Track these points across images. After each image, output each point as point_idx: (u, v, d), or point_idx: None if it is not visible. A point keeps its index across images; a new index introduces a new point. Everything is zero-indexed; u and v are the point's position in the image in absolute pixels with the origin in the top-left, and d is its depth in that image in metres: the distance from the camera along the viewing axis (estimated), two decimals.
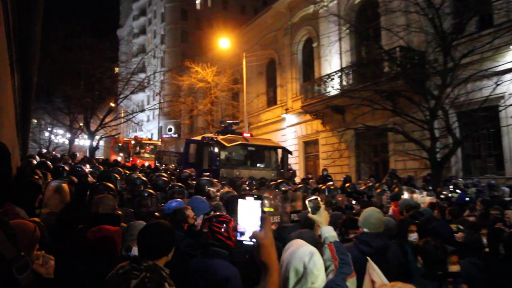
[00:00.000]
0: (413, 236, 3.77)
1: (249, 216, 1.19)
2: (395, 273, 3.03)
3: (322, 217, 2.32)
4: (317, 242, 3.53)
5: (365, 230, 3.14)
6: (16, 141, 6.29)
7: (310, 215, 2.35)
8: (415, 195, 6.97)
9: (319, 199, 2.38)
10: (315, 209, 2.34)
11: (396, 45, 12.94)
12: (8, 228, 1.49)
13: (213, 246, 2.65)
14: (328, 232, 2.25)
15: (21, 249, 1.56)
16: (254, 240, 1.18)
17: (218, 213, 2.93)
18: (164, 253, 2.25)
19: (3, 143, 1.53)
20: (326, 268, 2.10)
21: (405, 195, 6.78)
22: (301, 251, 1.86)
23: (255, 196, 1.19)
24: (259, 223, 1.19)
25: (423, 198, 6.77)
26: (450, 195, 8.00)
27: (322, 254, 2.18)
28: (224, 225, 2.73)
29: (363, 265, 2.96)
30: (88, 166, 8.16)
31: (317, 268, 1.80)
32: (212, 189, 5.74)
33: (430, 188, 9.05)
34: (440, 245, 2.89)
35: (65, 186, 4.27)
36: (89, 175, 6.32)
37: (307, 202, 2.39)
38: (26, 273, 1.45)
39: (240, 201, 1.20)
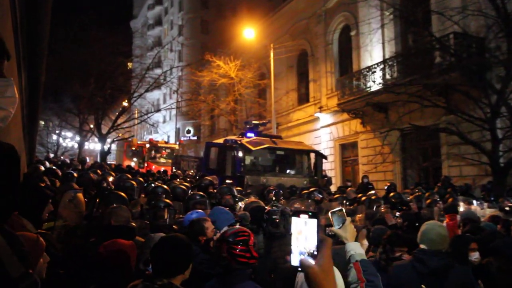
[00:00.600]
0: (474, 256, 3.67)
1: (304, 238, 1.14)
2: None
3: (347, 231, 2.29)
4: None
5: (423, 246, 3.11)
6: (23, 145, 6.56)
7: (333, 229, 2.33)
8: (473, 207, 6.78)
9: (344, 210, 2.36)
10: (340, 222, 2.31)
11: (450, 31, 12.63)
12: (16, 242, 1.55)
13: (236, 270, 2.62)
14: (354, 249, 2.23)
15: (30, 265, 1.62)
16: (301, 269, 1.11)
17: (235, 229, 2.86)
18: (180, 270, 2.27)
19: (11, 144, 1.59)
20: None
21: (461, 207, 6.59)
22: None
23: (310, 213, 1.14)
24: (314, 246, 1.12)
25: (483, 211, 6.56)
26: None
27: (347, 274, 2.18)
28: (244, 245, 2.68)
29: (417, 286, 2.92)
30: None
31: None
32: (229, 197, 5.79)
33: (492, 198, 8.76)
34: (505, 267, 2.80)
35: (80, 196, 4.41)
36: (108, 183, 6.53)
37: (329, 214, 2.36)
38: None
39: (293, 219, 1.16)
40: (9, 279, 1.44)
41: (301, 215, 1.14)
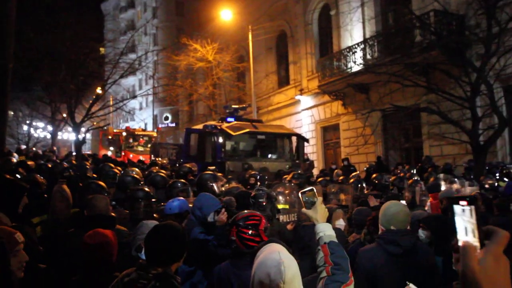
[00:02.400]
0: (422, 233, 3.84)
1: (463, 229, 0.91)
2: (425, 276, 3.06)
3: (318, 212, 2.25)
4: (346, 240, 3.55)
5: (392, 228, 3.14)
6: None
7: (304, 210, 2.30)
8: (454, 186, 6.95)
9: (314, 190, 2.32)
10: (310, 203, 2.28)
11: (430, 8, 12.76)
12: None
13: (246, 254, 2.65)
14: (324, 231, 2.18)
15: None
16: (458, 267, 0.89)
17: (246, 212, 2.89)
18: (175, 258, 2.29)
19: None
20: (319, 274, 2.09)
21: (443, 186, 6.77)
22: (268, 259, 1.84)
23: (468, 198, 0.91)
24: (475, 239, 0.89)
25: (463, 189, 6.75)
26: (496, 184, 7.95)
27: (316, 257, 2.16)
28: (254, 229, 2.72)
29: (392, 268, 2.99)
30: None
31: (285, 280, 1.74)
32: (215, 185, 5.82)
33: (472, 177, 9.01)
34: (432, 239, 2.89)
35: (65, 187, 4.37)
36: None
37: (299, 194, 2.33)
38: None
39: (455, 207, 0.92)
40: None
41: (460, 202, 0.92)
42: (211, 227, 3.68)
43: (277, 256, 1.84)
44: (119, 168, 7.68)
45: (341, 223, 4.27)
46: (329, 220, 3.95)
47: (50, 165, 7.85)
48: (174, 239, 2.29)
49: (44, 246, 3.07)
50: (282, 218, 4.74)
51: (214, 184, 5.82)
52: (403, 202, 5.37)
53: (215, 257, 3.31)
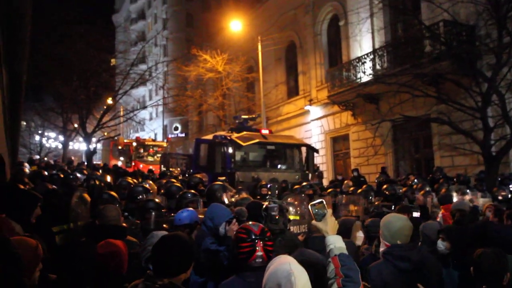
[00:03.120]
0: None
1: None
2: None
3: (328, 224, 2.25)
4: (357, 253, 3.51)
5: (399, 242, 3.09)
6: (5, 148, 6.51)
7: (314, 222, 2.31)
8: (467, 197, 6.89)
9: (324, 202, 2.33)
10: (320, 215, 2.28)
11: (439, 19, 12.74)
12: (9, 246, 1.56)
13: (260, 268, 2.61)
14: (334, 243, 2.19)
15: (24, 270, 1.63)
16: None
17: (259, 225, 2.87)
18: (182, 269, 2.29)
19: None
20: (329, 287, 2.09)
21: (455, 198, 6.70)
22: (279, 270, 1.86)
23: None
24: None
25: (477, 200, 6.68)
26: (509, 196, 7.85)
27: (327, 269, 2.15)
28: (272, 240, 2.77)
29: (402, 284, 2.95)
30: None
31: None
32: (225, 196, 5.83)
33: (485, 188, 8.91)
34: (499, 255, 2.84)
35: (86, 195, 4.41)
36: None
37: (309, 206, 2.35)
38: None
39: None
40: None
41: None
42: (222, 238, 3.67)
43: (287, 267, 1.86)
44: (135, 180, 7.73)
45: (360, 234, 4.23)
46: (349, 231, 3.93)
47: (62, 175, 7.91)
48: (181, 250, 2.30)
49: (61, 255, 3.09)
50: (293, 229, 4.72)
51: (223, 195, 5.83)
52: (416, 213, 5.32)
53: (226, 268, 3.30)
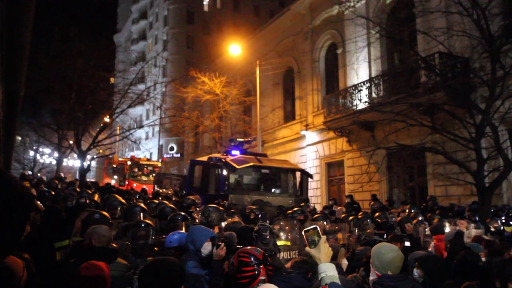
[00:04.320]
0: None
1: None
2: None
3: (321, 251, 2.23)
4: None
5: (389, 273, 3.06)
6: None
7: (307, 249, 2.28)
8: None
9: (318, 229, 2.31)
10: (313, 241, 2.26)
11: (435, 50, 12.97)
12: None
13: None
14: (326, 271, 2.17)
15: None
16: None
17: (260, 250, 2.86)
18: None
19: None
20: None
21: (447, 228, 6.68)
22: None
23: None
24: None
25: (468, 231, 6.65)
26: (502, 228, 7.84)
27: None
28: (271, 265, 2.75)
29: None
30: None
31: None
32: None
33: (477, 219, 8.89)
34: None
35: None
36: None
37: (303, 233, 2.32)
38: None
39: None
40: None
41: None
42: (206, 260, 3.62)
43: None
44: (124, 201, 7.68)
45: (345, 262, 4.21)
46: (335, 258, 3.91)
47: (53, 193, 7.84)
48: (169, 274, 2.26)
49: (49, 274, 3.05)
50: (283, 254, 4.67)
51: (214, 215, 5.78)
52: (407, 243, 5.30)
53: None
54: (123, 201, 6.44)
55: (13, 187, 1.29)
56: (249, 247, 2.87)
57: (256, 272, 2.59)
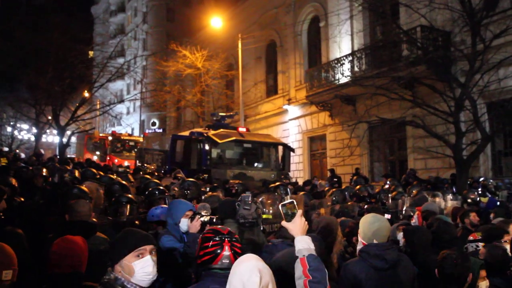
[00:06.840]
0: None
1: None
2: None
3: (297, 225, 2.23)
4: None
5: (375, 241, 3.13)
6: None
7: (283, 222, 2.27)
8: (437, 199, 7.01)
9: (295, 202, 2.29)
10: (290, 215, 2.24)
11: (417, 24, 12.95)
12: None
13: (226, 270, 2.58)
14: (302, 244, 2.17)
15: None
16: None
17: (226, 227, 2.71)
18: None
19: None
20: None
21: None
22: (243, 267, 1.83)
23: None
24: None
25: (445, 203, 6.81)
26: (478, 199, 8.03)
27: (295, 270, 2.15)
28: (240, 242, 2.58)
29: (378, 282, 2.99)
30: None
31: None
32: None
33: (455, 190, 9.09)
34: (463, 258, 2.91)
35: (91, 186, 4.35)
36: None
37: (280, 207, 2.30)
38: None
39: None
40: None
41: None
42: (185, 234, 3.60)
43: (251, 264, 1.84)
44: (101, 173, 7.60)
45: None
46: (332, 232, 3.94)
47: (31, 168, 7.70)
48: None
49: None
50: (265, 227, 4.70)
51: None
52: (388, 215, 5.40)
53: (181, 266, 3.23)
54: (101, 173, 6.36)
55: None
56: (217, 226, 2.73)
57: (220, 247, 2.37)
